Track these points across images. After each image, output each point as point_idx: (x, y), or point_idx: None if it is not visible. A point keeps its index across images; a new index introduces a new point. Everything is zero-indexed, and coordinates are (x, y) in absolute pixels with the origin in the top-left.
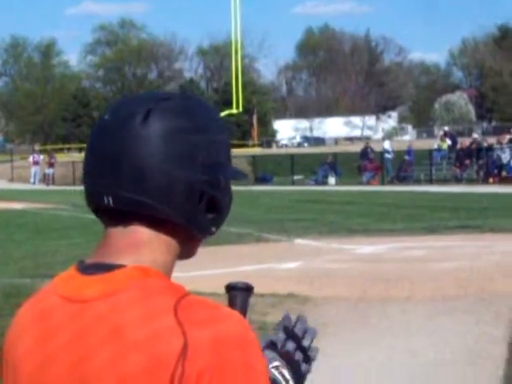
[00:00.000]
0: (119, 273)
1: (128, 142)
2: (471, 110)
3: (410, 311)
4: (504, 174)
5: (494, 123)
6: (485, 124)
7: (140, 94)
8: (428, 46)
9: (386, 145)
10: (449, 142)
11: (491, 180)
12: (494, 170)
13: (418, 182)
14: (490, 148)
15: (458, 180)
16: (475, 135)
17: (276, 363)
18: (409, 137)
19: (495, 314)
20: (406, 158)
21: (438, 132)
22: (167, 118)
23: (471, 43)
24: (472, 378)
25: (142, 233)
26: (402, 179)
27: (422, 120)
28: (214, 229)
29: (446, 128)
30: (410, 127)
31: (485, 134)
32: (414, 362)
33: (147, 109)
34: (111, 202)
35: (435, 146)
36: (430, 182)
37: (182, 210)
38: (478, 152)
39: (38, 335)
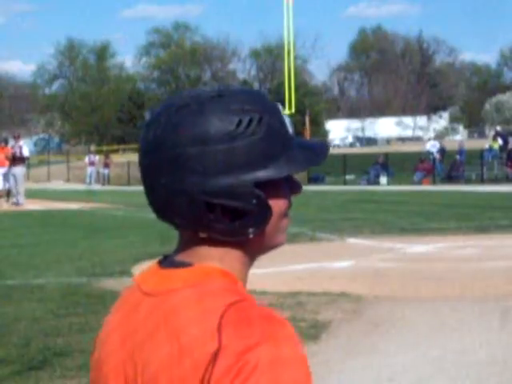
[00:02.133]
0: (183, 271)
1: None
2: None
3: (461, 310)
4: None
5: None
6: None
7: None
8: (479, 46)
9: (437, 145)
10: (500, 141)
11: None
12: None
13: (469, 181)
14: None
15: (509, 180)
16: None
17: None
18: (460, 137)
19: None
20: (458, 157)
21: (489, 132)
22: (165, 130)
23: None
24: None
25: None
26: (453, 179)
27: (472, 120)
28: (250, 230)
29: (498, 128)
30: (461, 127)
31: None
32: (466, 361)
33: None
34: None
35: (486, 146)
36: (481, 181)
37: (192, 220)
38: None
39: (124, 332)
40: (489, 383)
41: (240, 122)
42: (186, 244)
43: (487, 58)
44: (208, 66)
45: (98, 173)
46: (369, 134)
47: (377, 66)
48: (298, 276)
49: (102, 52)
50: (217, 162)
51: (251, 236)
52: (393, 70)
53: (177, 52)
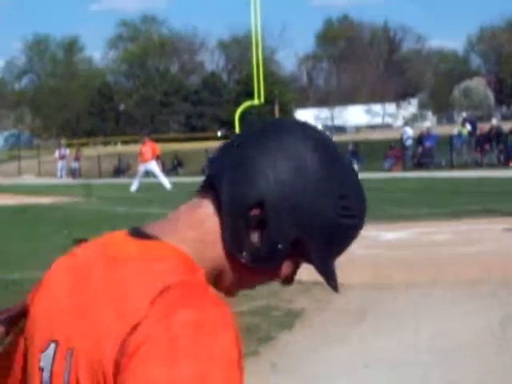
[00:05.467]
0: (152, 243)
1: None
2: (490, 96)
3: (434, 295)
4: None
5: None
6: (504, 109)
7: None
8: (446, 33)
9: (408, 131)
10: (469, 127)
11: (511, 164)
12: None
13: (438, 167)
14: (510, 133)
15: (478, 165)
16: (494, 120)
17: None
18: (429, 123)
19: None
20: (427, 144)
21: (458, 118)
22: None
23: (489, 30)
24: (496, 360)
25: (201, 211)
26: (422, 165)
27: (441, 106)
28: (247, 257)
29: (466, 114)
30: (429, 114)
31: (504, 118)
32: (440, 346)
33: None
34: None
35: (455, 132)
36: (451, 167)
37: (230, 196)
38: (497, 137)
39: (72, 283)
40: (463, 368)
41: (344, 197)
42: (173, 218)
43: (454, 44)
44: (176, 58)
45: (70, 167)
46: (338, 122)
47: (344, 55)
48: None
49: (71, 46)
50: (297, 200)
51: (242, 261)
52: (360, 59)
53: (145, 45)
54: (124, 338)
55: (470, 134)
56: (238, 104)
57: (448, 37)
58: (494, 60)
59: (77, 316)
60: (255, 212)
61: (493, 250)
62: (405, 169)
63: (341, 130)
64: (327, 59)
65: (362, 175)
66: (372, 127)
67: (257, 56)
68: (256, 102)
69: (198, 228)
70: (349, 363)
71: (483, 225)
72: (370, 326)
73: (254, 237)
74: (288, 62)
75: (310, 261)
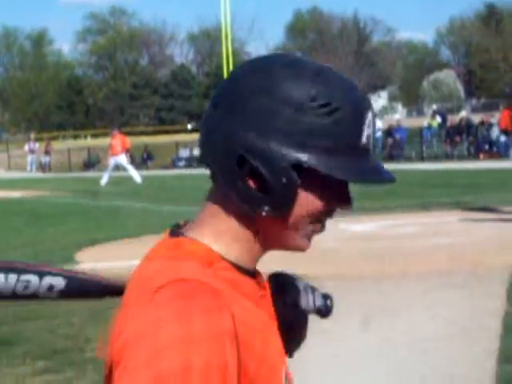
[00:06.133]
0: (162, 243)
1: None
2: (459, 88)
3: (404, 287)
4: (494, 149)
5: (482, 100)
6: (473, 101)
7: None
8: (416, 25)
9: (378, 124)
10: (439, 119)
11: (481, 156)
12: (484, 146)
13: (409, 159)
14: (480, 124)
15: (448, 157)
16: (464, 112)
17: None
18: (399, 115)
19: (488, 287)
20: (397, 136)
21: (428, 110)
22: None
23: (458, 21)
24: (467, 351)
25: (210, 206)
26: (393, 157)
27: (411, 98)
28: (266, 208)
29: (436, 106)
30: (399, 106)
31: (474, 110)
32: (410, 337)
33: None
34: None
35: (425, 124)
36: (421, 159)
37: (221, 166)
38: (467, 129)
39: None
40: (435, 359)
41: (315, 98)
42: (199, 213)
43: (424, 36)
44: (146, 51)
45: (40, 161)
46: None
47: (314, 47)
48: None
49: (39, 39)
50: (273, 123)
51: (263, 214)
52: (330, 51)
53: (114, 37)
54: (116, 341)
55: (440, 126)
56: (207, 97)
57: (418, 28)
58: (463, 52)
59: (115, 320)
60: (245, 166)
61: (462, 241)
62: None
63: None
64: (297, 51)
65: None
66: None
67: (226, 48)
68: None
69: (214, 214)
70: (319, 356)
71: (453, 217)
72: (340, 319)
73: (260, 188)
74: (258, 53)
75: (325, 179)
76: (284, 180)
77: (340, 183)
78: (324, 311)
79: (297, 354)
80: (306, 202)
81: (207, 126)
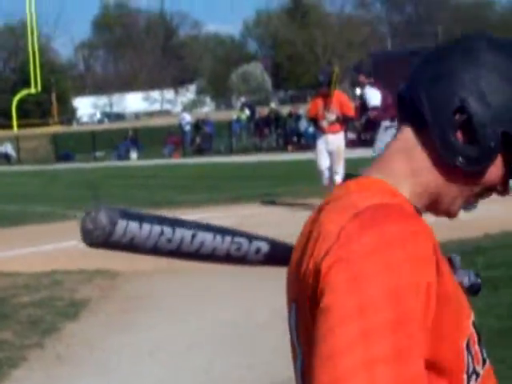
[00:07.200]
0: (342, 186)
1: None
2: (267, 80)
3: (218, 280)
4: (303, 141)
5: (290, 92)
6: (281, 93)
7: None
8: (223, 18)
9: (187, 117)
10: (247, 112)
11: (290, 148)
12: (292, 138)
13: (218, 153)
14: (288, 116)
15: (257, 149)
16: (272, 104)
17: None
18: (208, 108)
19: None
20: (206, 129)
21: (236, 103)
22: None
23: (265, 14)
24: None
25: (403, 139)
26: (203, 151)
27: (220, 91)
28: (460, 159)
29: (244, 99)
30: (208, 99)
31: (282, 102)
32: (224, 330)
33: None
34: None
35: (234, 117)
36: (231, 152)
37: (437, 111)
38: (276, 121)
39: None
40: (246, 352)
41: None
42: (382, 158)
43: (231, 29)
44: None
45: None
46: (117, 109)
47: (121, 42)
48: (52, 255)
49: None
50: (501, 98)
51: (456, 164)
52: (138, 45)
53: None
54: (319, 264)
55: (249, 118)
56: (14, 93)
57: (224, 22)
58: (270, 44)
59: (292, 269)
60: (459, 117)
61: (273, 234)
62: (185, 155)
63: (120, 117)
64: (104, 46)
65: (141, 162)
66: (151, 114)
67: (32, 44)
68: (33, 90)
69: (404, 157)
70: (135, 351)
71: (263, 208)
72: (155, 313)
73: (464, 139)
74: (65, 49)
75: None
76: (492, 144)
77: None
78: (475, 288)
79: (111, 352)
80: (492, 172)
81: (434, 70)
